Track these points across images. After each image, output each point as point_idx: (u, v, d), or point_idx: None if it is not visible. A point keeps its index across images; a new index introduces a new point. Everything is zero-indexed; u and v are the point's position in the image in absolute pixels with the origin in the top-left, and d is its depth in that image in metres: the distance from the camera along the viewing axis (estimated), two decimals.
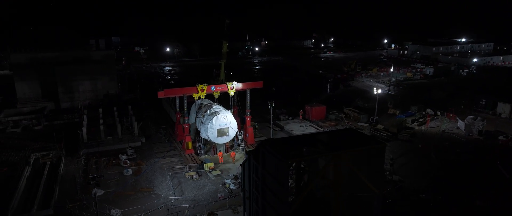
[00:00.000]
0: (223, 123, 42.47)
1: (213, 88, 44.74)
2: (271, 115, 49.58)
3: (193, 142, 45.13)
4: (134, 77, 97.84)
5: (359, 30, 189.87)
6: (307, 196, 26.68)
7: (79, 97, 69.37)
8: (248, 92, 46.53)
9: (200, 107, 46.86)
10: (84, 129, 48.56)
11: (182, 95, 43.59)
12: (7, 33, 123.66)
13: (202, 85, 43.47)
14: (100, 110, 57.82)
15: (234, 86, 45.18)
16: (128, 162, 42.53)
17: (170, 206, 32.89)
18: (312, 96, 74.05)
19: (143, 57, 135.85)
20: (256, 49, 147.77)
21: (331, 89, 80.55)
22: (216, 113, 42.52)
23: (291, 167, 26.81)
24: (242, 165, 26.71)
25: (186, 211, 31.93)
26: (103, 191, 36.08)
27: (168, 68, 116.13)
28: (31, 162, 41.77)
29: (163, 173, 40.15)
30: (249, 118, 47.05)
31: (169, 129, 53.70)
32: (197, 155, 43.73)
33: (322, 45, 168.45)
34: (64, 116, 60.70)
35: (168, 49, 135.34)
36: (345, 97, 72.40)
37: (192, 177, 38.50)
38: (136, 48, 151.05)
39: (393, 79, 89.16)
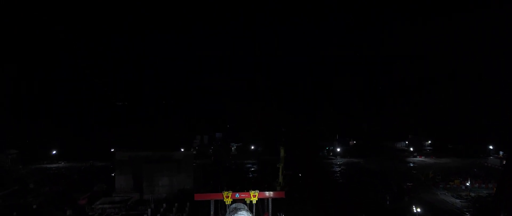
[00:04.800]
0: None
1: (237, 195, 50.90)
2: None
3: None
4: (217, 173, 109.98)
5: (463, 132, 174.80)
6: None
7: (158, 190, 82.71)
8: (270, 201, 51.11)
9: (232, 210, 53.12)
10: None
11: (210, 199, 50.80)
12: (114, 131, 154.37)
13: (227, 192, 50.17)
14: (164, 205, 68.49)
15: (256, 194, 50.55)
16: None
17: None
18: (368, 207, 72.48)
19: (233, 153, 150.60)
20: (338, 149, 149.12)
21: (393, 200, 77.26)
22: None
23: None
24: None
25: None
26: None
27: (249, 165, 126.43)
28: None
29: None
30: None
31: None
32: None
33: (412, 148, 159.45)
34: (139, 207, 73.17)
35: (252, 147, 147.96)
36: (405, 212, 68.83)
37: None
38: (231, 144, 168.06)
39: (472, 194, 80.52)
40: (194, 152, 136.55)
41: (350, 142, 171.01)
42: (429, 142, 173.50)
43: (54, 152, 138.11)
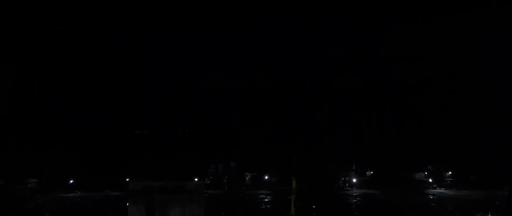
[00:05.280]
0: None
1: None
2: None
3: None
4: (229, 203, 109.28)
5: (486, 163, 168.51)
6: None
7: None
8: None
9: None
10: None
11: None
12: (128, 161, 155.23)
13: None
14: None
15: None
16: None
17: None
18: None
19: (247, 183, 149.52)
20: (354, 180, 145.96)
21: None
22: None
23: None
24: None
25: None
26: None
27: (263, 195, 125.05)
28: None
29: None
30: None
31: None
32: None
33: (431, 179, 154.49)
34: None
35: (266, 177, 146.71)
36: None
37: None
38: (245, 174, 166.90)
39: None
40: (208, 182, 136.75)
41: (367, 172, 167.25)
42: (450, 173, 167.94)
43: (71, 181, 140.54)
